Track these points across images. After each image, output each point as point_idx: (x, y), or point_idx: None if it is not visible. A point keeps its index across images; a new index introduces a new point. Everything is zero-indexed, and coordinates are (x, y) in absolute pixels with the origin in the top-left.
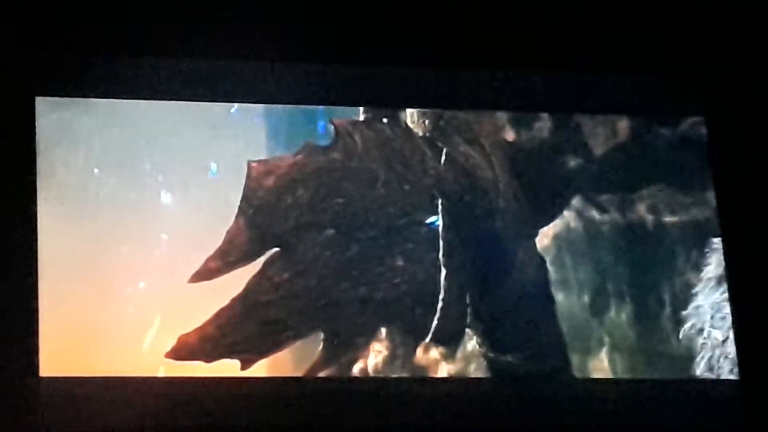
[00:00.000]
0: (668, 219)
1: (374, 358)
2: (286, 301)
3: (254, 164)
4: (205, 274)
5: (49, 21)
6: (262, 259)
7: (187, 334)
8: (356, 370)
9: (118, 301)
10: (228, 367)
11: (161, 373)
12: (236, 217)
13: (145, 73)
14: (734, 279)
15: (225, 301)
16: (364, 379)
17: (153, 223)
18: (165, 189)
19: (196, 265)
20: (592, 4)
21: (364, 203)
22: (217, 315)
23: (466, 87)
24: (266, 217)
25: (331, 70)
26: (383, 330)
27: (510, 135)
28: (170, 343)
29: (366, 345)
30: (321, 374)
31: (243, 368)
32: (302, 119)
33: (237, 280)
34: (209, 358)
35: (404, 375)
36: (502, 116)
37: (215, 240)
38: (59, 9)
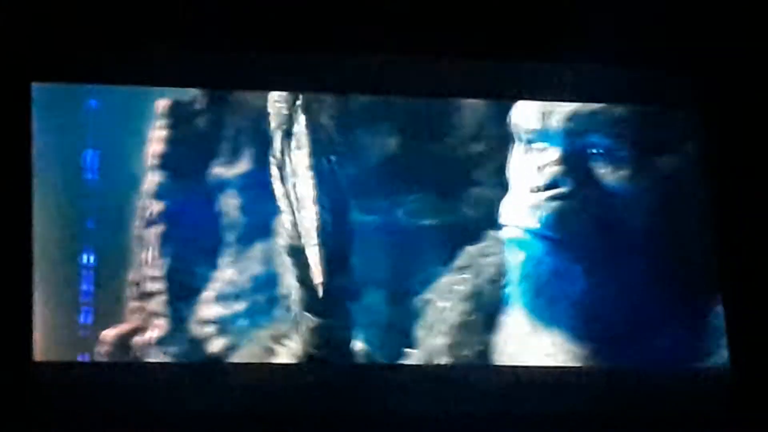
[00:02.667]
0: (425, 222)
1: (151, 332)
2: None
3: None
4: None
5: (46, 6)
6: None
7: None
8: (141, 341)
9: None
10: None
11: None
12: None
13: (142, 60)
14: (727, 270)
15: None
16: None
17: None
18: None
19: None
20: None
21: None
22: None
23: (455, 75)
24: None
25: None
26: None
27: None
28: None
29: None
30: None
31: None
32: (68, 93)
33: None
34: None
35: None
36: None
37: None
38: None
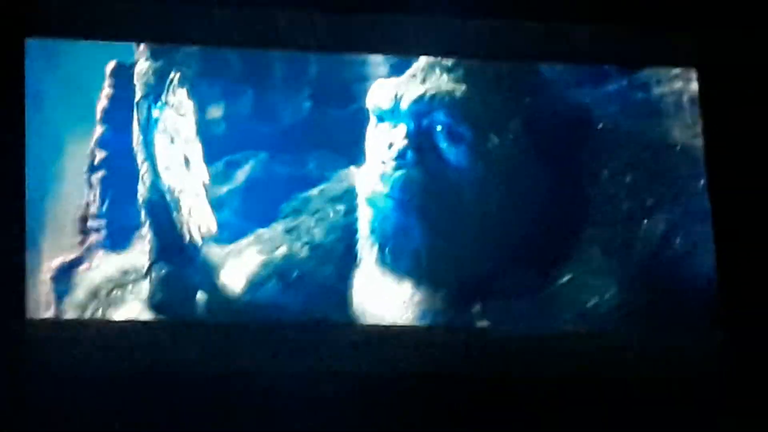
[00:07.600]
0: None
1: (89, 262)
2: None
3: None
4: None
5: None
6: None
7: None
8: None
9: None
10: None
11: None
12: None
13: (138, 14)
14: (724, 250)
15: None
16: None
17: None
18: None
19: None
20: None
21: None
22: None
23: (465, 35)
24: None
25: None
26: None
27: None
28: None
29: None
30: None
31: None
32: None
33: None
34: None
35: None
36: None
37: None
38: None
